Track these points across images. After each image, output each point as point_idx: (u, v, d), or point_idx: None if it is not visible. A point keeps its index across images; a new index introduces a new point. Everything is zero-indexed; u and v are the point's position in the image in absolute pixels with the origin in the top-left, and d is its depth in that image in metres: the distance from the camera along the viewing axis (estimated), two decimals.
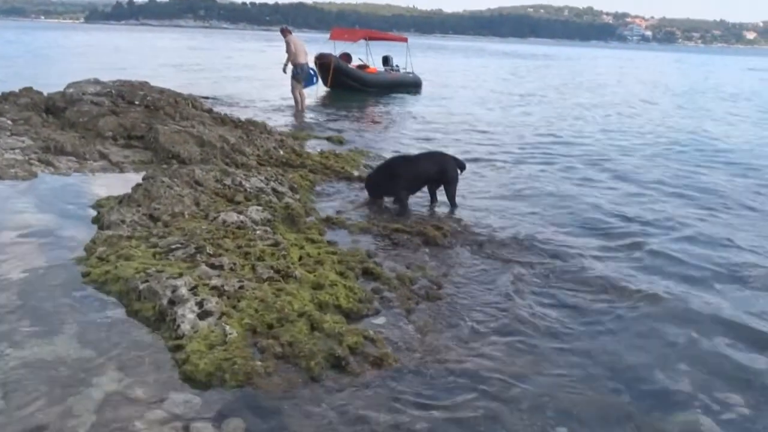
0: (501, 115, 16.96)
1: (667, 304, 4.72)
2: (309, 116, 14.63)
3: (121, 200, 6.01)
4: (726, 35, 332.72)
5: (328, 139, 10.94)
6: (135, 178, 7.25)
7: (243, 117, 11.24)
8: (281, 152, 8.74)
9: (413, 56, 23.67)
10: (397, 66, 23.40)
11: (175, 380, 3.36)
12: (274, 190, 6.62)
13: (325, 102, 17.89)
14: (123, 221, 5.47)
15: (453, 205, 7.01)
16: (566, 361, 3.87)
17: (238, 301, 3.99)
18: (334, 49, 20.81)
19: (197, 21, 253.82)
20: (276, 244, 4.95)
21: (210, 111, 10.87)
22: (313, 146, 10.09)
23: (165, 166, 7.85)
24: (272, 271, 4.41)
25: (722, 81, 38.86)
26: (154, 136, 8.75)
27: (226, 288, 4.09)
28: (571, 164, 10.17)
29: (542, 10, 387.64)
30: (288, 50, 14.73)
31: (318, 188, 7.54)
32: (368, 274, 4.78)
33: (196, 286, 4.06)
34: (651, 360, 3.93)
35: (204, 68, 28.65)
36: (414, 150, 10.13)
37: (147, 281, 4.14)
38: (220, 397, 3.24)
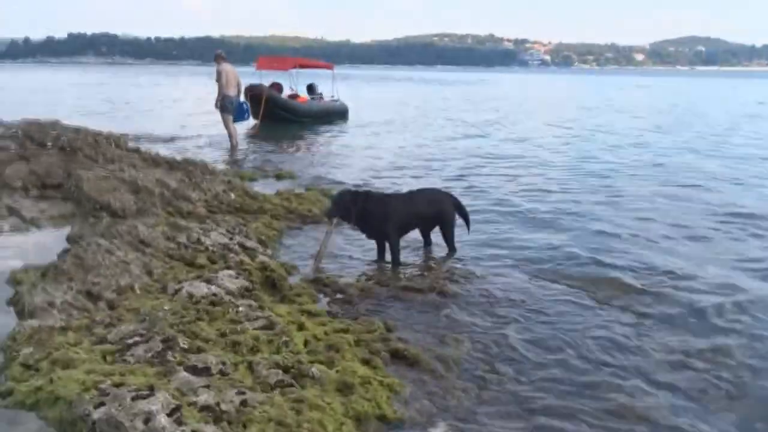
0: (434, 139, 16.17)
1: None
2: (245, 152, 13.29)
3: (45, 272, 4.58)
4: (618, 57, 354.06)
5: (278, 176, 9.68)
6: (57, 237, 5.85)
7: (175, 156, 9.84)
8: (233, 196, 7.46)
9: (327, 85, 22.65)
10: (320, 94, 22.36)
11: None
12: (241, 245, 5.36)
13: (258, 136, 16.55)
14: (52, 304, 4.09)
15: (452, 248, 5.98)
16: None
17: (245, 427, 2.75)
18: (260, 79, 19.51)
19: (99, 57, 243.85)
20: (270, 326, 3.73)
21: (138, 151, 9.41)
22: (264, 186, 8.83)
23: (93, 220, 6.44)
24: (279, 371, 3.19)
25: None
26: (75, 184, 7.27)
27: (223, 407, 2.84)
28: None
29: (446, 39, 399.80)
30: (218, 79, 13.22)
31: (287, 239, 6.34)
32: (399, 357, 3.64)
33: (178, 408, 2.78)
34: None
35: (116, 105, 26.59)
36: (378, 186, 9.09)
37: (102, 404, 2.83)
38: None
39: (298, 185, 8.95)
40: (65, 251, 4.96)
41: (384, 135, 17.02)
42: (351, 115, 22.32)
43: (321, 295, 4.65)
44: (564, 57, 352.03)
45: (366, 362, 3.48)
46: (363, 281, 4.92)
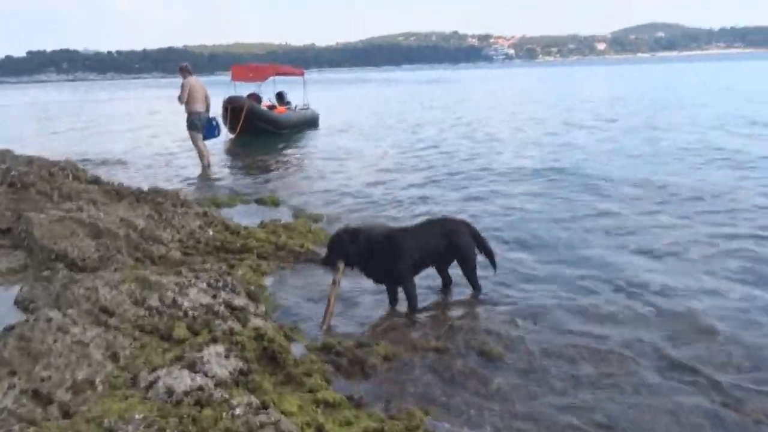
0: (409, 143, 15.28)
1: None
2: (219, 173, 12.23)
3: None
4: (580, 48, 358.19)
5: (258, 201, 8.67)
6: (4, 301, 4.88)
7: (140, 184, 8.81)
8: (211, 232, 6.47)
9: (294, 91, 21.64)
10: (289, 102, 21.37)
11: None
12: (228, 305, 4.38)
13: (231, 151, 15.48)
14: None
15: (476, 287, 5.07)
16: None
17: None
18: (235, 90, 18.45)
19: (60, 75, 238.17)
20: None
21: (98, 181, 8.35)
22: (245, 214, 7.82)
23: (47, 272, 5.43)
24: None
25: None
26: (25, 229, 6.25)
27: None
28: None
29: (412, 38, 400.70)
30: (180, 95, 11.92)
31: (280, 285, 5.37)
32: None
33: None
34: None
35: (74, 125, 25.19)
36: (378, 205, 8.18)
37: None
38: None
39: (283, 212, 7.95)
40: (8, 330, 3.93)
41: (360, 143, 16.05)
42: (320, 122, 21.52)
43: (333, 368, 3.70)
44: (528, 50, 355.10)
45: None
46: (384, 344, 3.97)
